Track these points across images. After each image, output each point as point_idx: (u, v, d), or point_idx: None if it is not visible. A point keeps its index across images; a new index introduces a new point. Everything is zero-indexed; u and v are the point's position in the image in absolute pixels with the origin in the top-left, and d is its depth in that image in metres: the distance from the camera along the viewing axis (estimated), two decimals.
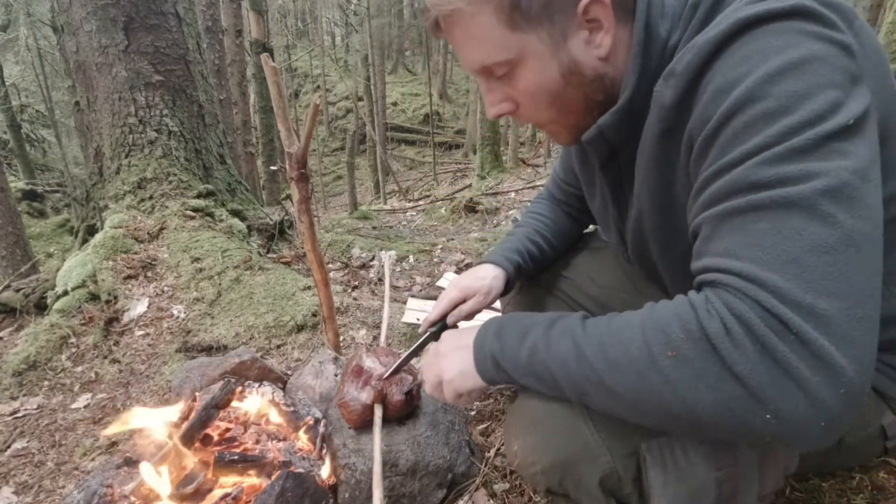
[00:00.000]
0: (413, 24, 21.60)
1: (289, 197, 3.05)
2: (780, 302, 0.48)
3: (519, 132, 10.26)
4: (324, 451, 1.08)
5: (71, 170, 9.41)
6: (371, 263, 2.95)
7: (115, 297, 2.15)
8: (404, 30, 22.07)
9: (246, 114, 6.07)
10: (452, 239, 3.68)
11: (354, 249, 3.15)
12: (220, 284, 2.20)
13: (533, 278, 1.21)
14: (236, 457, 1.01)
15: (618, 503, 0.72)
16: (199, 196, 2.71)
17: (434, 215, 5.55)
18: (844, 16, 0.55)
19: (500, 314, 0.83)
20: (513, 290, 1.19)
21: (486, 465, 1.13)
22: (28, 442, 1.54)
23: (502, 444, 1.20)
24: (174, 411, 1.12)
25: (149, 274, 2.28)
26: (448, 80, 20.29)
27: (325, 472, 1.04)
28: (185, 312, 2.10)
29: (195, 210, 2.61)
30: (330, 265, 2.91)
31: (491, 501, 1.06)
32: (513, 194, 5.89)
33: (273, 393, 1.19)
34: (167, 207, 2.59)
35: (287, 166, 1.28)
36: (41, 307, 2.34)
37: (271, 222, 3.01)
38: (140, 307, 2.12)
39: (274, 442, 1.10)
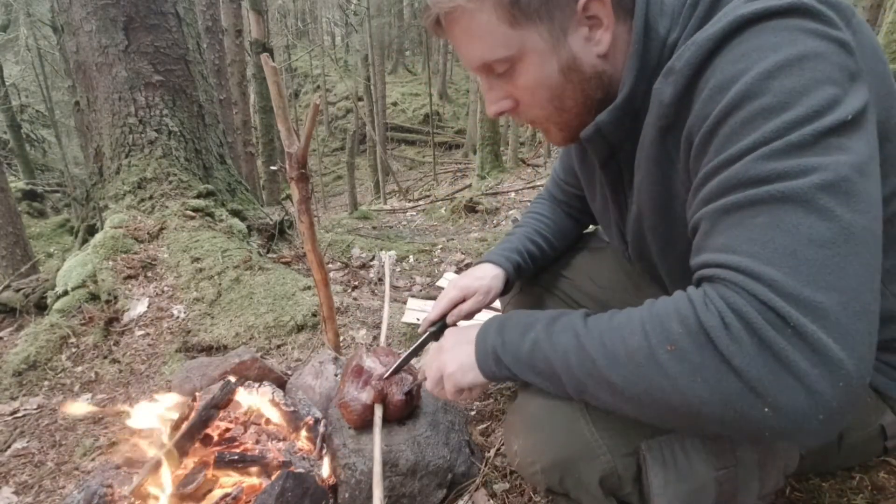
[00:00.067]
0: (413, 24, 21.60)
1: (289, 197, 3.05)
2: (778, 295, 0.48)
3: (519, 132, 10.25)
4: (324, 451, 1.08)
5: (71, 170, 9.41)
6: (371, 263, 2.95)
7: (115, 297, 2.14)
8: (404, 30, 22.07)
9: (246, 114, 6.07)
10: (452, 239, 3.68)
11: (354, 249, 3.15)
12: (220, 284, 2.20)
13: (533, 278, 1.21)
14: (236, 457, 1.01)
15: (618, 502, 0.72)
16: (199, 196, 2.71)
17: (434, 215, 5.55)
18: (842, 13, 0.55)
19: (499, 314, 0.83)
20: (512, 289, 1.19)
21: (486, 465, 1.13)
22: (28, 442, 1.54)
23: (502, 444, 1.20)
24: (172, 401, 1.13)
25: (149, 274, 2.28)
26: (448, 80, 20.29)
27: (325, 472, 1.04)
28: (185, 312, 2.10)
29: (195, 210, 2.61)
30: (330, 265, 2.91)
31: (491, 501, 1.06)
32: (513, 194, 5.89)
33: (273, 393, 1.19)
34: (167, 207, 2.59)
35: (287, 166, 1.28)
36: (41, 307, 2.34)
37: (271, 222, 3.01)
38: (140, 307, 2.12)
39: (274, 442, 1.10)
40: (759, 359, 0.48)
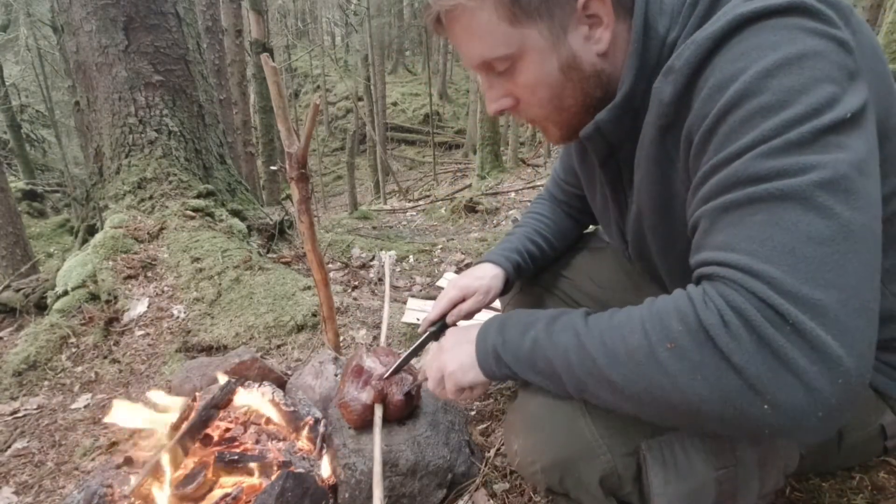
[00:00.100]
0: (413, 24, 21.60)
1: (289, 197, 3.05)
2: (777, 293, 0.48)
3: (519, 132, 10.26)
4: (324, 451, 1.08)
5: (71, 170, 9.41)
6: (371, 263, 2.95)
7: (115, 297, 2.14)
8: (404, 30, 22.07)
9: (246, 114, 6.07)
10: (452, 239, 3.67)
11: (354, 249, 3.15)
12: (220, 284, 2.20)
13: (533, 278, 1.21)
14: (236, 457, 1.01)
15: (618, 502, 0.72)
16: (199, 196, 2.71)
17: (434, 215, 5.55)
18: (841, 13, 0.55)
19: (500, 313, 0.83)
20: (512, 289, 1.19)
21: (486, 465, 1.13)
22: (28, 442, 1.54)
23: (502, 444, 1.20)
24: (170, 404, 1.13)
25: (149, 274, 2.28)
26: (448, 80, 20.29)
27: (325, 472, 1.04)
28: (185, 312, 2.10)
29: (195, 210, 2.61)
30: (330, 265, 2.91)
31: (491, 501, 1.06)
32: (513, 194, 5.89)
33: (273, 393, 1.19)
34: (167, 207, 2.59)
35: (287, 166, 1.28)
36: (41, 307, 2.34)
37: (271, 222, 3.01)
38: (140, 307, 2.12)
39: (274, 442, 1.10)
40: (758, 356, 0.48)
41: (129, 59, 2.61)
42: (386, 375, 1.04)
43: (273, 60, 1.23)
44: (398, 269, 2.90)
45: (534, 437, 0.73)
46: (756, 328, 0.48)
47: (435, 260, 3.04)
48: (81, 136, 3.02)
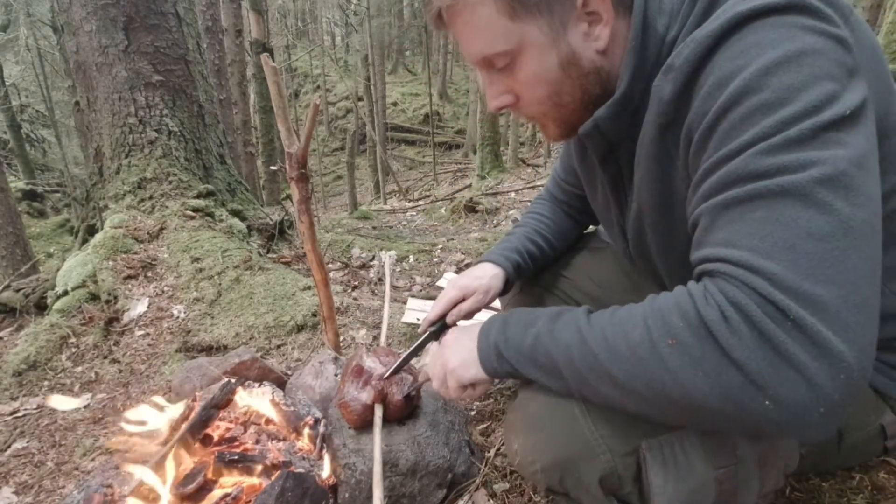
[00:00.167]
0: (413, 24, 21.60)
1: (289, 197, 3.05)
2: (777, 289, 0.48)
3: (519, 132, 10.26)
4: (324, 451, 1.08)
5: (71, 170, 9.41)
6: (371, 263, 2.95)
7: (115, 297, 2.14)
8: (404, 30, 22.07)
9: (246, 114, 6.07)
10: (452, 239, 3.67)
11: (354, 249, 3.14)
12: (220, 284, 2.20)
13: (533, 278, 1.21)
14: (236, 457, 1.01)
15: (618, 502, 0.72)
16: (199, 196, 2.71)
17: (434, 215, 5.55)
18: (840, 11, 0.55)
19: (500, 313, 0.83)
20: (512, 289, 1.19)
21: (486, 465, 1.13)
22: (28, 442, 1.54)
23: (502, 444, 1.20)
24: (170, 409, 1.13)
25: (149, 274, 2.28)
26: (448, 80, 20.29)
27: (325, 472, 1.04)
28: (185, 312, 2.10)
29: (195, 210, 2.61)
30: (330, 265, 2.91)
31: (491, 501, 1.06)
32: (513, 194, 5.89)
33: (273, 393, 1.19)
34: (167, 207, 2.59)
35: (287, 166, 1.28)
36: (41, 307, 2.34)
37: (271, 222, 3.01)
38: (140, 307, 2.12)
39: (274, 442, 1.10)
40: (759, 352, 0.48)
41: (129, 59, 2.61)
42: (386, 375, 1.04)
43: (273, 60, 1.23)
44: (398, 269, 2.90)
45: (534, 437, 0.73)
46: (757, 324, 0.48)
47: (435, 260, 3.04)
48: (81, 136, 3.02)
